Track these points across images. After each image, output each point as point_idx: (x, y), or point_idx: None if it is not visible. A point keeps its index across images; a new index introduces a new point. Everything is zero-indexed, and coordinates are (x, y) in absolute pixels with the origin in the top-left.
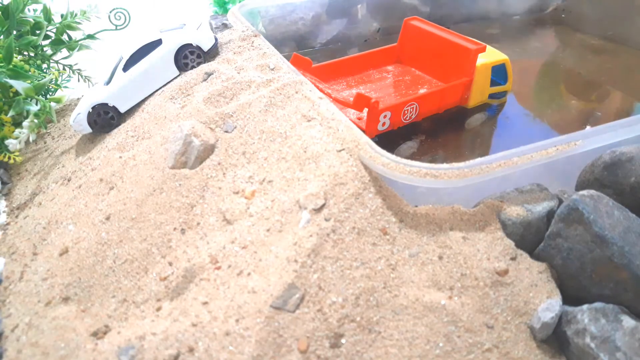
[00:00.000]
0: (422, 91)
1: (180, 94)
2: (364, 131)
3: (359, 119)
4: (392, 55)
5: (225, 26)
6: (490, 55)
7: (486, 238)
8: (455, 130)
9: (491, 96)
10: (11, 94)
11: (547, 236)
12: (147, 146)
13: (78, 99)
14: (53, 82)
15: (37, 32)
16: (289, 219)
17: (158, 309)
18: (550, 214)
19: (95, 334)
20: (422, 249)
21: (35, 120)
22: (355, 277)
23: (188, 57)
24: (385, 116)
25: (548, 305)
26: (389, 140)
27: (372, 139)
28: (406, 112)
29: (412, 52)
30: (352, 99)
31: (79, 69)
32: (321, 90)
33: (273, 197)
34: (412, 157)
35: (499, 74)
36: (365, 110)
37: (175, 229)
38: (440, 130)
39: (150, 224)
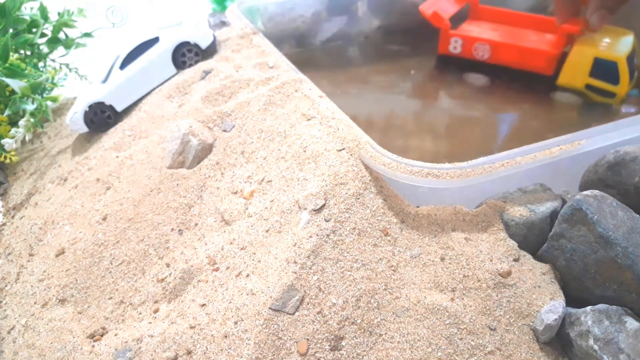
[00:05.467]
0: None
1: (177, 92)
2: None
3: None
4: (550, 26)
5: (223, 24)
6: (607, 48)
7: (489, 239)
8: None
9: (592, 89)
10: (7, 93)
11: (551, 237)
12: (144, 145)
13: (74, 97)
14: (49, 81)
15: (34, 30)
16: (288, 220)
17: (155, 311)
18: (553, 215)
19: (92, 336)
20: (423, 250)
21: (32, 119)
22: (356, 279)
23: (186, 55)
24: (456, 42)
25: (551, 307)
26: (462, 66)
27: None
28: (477, 48)
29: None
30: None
31: (75, 68)
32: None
33: (272, 197)
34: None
35: (608, 71)
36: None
37: (172, 229)
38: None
39: (147, 225)
